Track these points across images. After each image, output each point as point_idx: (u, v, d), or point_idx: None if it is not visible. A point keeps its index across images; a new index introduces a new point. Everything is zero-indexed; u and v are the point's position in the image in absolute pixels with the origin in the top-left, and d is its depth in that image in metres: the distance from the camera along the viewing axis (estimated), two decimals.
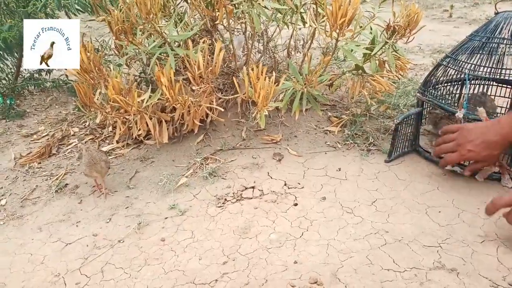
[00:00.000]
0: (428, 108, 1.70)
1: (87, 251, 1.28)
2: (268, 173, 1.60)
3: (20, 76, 2.54)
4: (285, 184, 1.52)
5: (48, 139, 1.93)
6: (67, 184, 1.63)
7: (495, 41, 1.50)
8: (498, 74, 1.49)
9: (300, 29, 1.97)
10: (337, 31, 1.47)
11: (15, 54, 2.37)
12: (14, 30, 2.08)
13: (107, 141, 1.92)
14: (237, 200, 1.46)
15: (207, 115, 1.74)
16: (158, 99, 1.59)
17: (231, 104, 1.93)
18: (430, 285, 1.05)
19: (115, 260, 1.24)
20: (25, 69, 2.55)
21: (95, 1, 1.77)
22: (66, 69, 2.48)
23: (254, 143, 1.81)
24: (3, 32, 2.04)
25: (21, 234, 1.39)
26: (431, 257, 1.14)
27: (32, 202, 1.55)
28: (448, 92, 1.71)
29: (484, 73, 1.50)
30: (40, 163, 1.79)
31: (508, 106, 1.60)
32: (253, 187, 1.52)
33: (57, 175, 1.68)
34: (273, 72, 1.54)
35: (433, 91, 1.66)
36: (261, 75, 1.35)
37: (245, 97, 1.46)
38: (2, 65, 2.41)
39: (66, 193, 1.58)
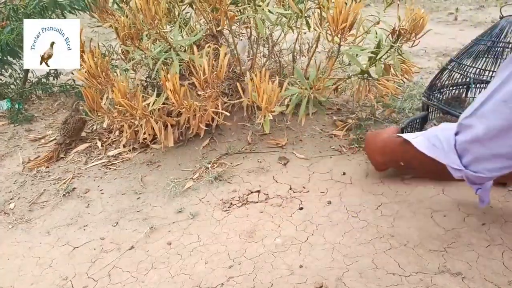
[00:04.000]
0: (438, 114, 1.70)
1: (95, 254, 1.30)
2: (274, 177, 1.60)
3: (28, 81, 2.57)
4: (290, 188, 1.53)
5: (55, 143, 1.95)
6: (74, 188, 1.65)
7: (500, 45, 1.50)
8: None
9: (305, 33, 1.97)
10: (339, 36, 1.48)
11: (22, 58, 2.39)
12: (15, 33, 2.07)
13: (114, 146, 1.94)
14: (242, 204, 1.47)
15: (212, 119, 1.75)
16: (164, 103, 1.61)
17: (237, 108, 1.94)
18: None
19: (122, 264, 1.25)
20: (33, 74, 2.58)
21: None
22: (73, 74, 2.51)
23: (259, 147, 1.82)
24: (3, 34, 2.03)
25: (29, 238, 1.40)
26: (437, 262, 1.14)
27: (40, 206, 1.57)
28: (453, 96, 1.71)
29: (489, 77, 1.50)
30: (48, 167, 1.81)
31: None
32: (258, 191, 1.52)
33: (65, 179, 1.70)
34: (276, 76, 1.55)
35: (438, 95, 1.66)
36: (265, 79, 1.36)
37: (249, 101, 1.47)
38: (10, 70, 2.44)
39: (74, 197, 1.60)
